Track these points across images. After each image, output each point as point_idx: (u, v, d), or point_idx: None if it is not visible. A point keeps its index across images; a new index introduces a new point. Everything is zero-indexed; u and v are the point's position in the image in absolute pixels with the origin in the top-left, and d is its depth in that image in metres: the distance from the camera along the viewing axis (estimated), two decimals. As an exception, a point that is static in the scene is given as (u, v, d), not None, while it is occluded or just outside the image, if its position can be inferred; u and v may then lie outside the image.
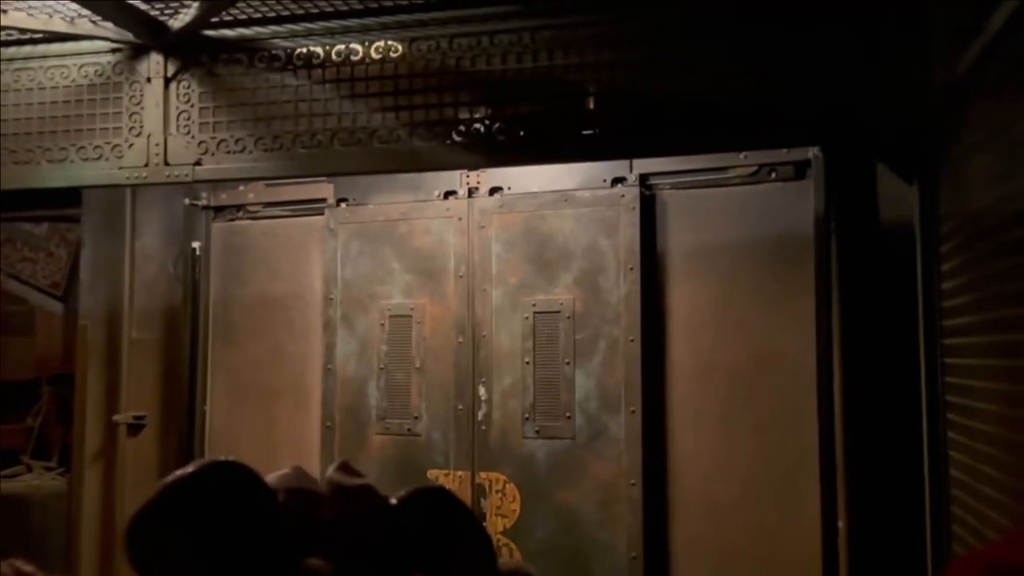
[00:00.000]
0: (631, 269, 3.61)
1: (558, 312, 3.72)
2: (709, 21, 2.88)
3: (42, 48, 3.41)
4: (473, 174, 3.89)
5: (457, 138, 3.05)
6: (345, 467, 1.92)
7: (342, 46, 3.13)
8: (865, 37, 2.77)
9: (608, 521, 3.60)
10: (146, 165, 3.29)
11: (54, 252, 5.72)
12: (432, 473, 3.86)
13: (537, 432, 3.72)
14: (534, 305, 3.76)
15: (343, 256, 4.09)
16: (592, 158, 3.39)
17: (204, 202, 4.33)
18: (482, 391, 3.81)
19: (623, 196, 3.66)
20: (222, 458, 1.69)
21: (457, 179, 3.92)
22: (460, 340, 3.85)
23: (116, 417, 4.13)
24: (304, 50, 3.17)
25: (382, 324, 4.01)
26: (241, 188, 4.22)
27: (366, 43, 3.12)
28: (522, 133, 3.00)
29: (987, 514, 2.16)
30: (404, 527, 1.35)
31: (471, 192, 3.91)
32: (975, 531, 2.29)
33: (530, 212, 3.81)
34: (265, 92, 3.19)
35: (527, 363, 3.75)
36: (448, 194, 3.94)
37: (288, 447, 4.13)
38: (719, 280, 3.57)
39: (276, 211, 4.28)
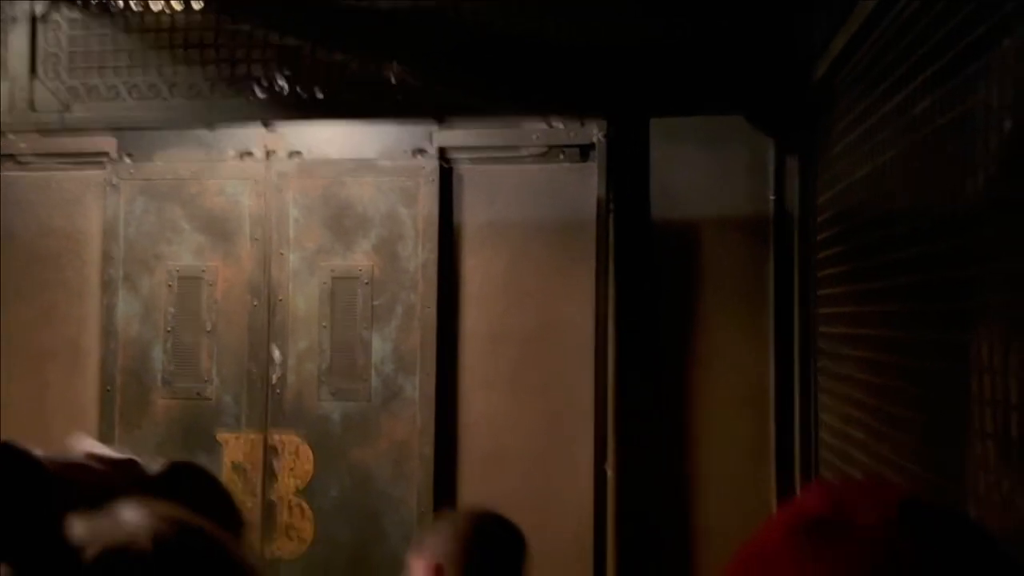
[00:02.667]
0: (429, 239, 3.78)
1: (356, 278, 3.81)
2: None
3: None
4: (272, 136, 3.86)
5: (262, 95, 3.03)
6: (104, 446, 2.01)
7: None
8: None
9: (401, 478, 3.78)
10: (10, 111, 3.01)
11: None
12: (222, 435, 3.86)
13: (333, 394, 3.81)
14: (332, 270, 3.83)
15: (127, 213, 3.92)
16: (392, 116, 3.46)
17: (-36, 150, 3.96)
18: (277, 354, 3.84)
19: (423, 168, 3.80)
20: None
21: (254, 140, 3.88)
22: (255, 303, 3.85)
23: None
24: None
25: (169, 285, 3.91)
26: (11, 137, 3.90)
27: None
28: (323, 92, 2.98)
29: (853, 454, 2.44)
30: (161, 494, 1.47)
31: (268, 155, 3.88)
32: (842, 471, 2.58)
33: (330, 178, 3.85)
34: (139, 36, 2.99)
35: (324, 327, 3.82)
36: (244, 155, 3.89)
37: (62, 411, 3.94)
38: (510, 252, 3.83)
39: (50, 163, 4.00)
